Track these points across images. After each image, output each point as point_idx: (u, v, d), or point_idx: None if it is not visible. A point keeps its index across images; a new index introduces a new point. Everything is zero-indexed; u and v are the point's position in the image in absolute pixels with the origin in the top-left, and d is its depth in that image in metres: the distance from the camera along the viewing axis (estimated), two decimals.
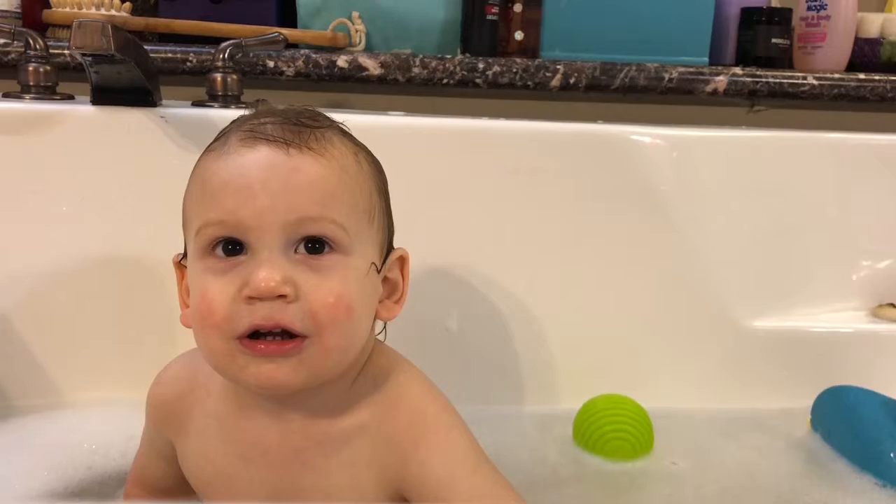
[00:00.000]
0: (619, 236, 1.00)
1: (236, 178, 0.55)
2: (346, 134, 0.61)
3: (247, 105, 0.97)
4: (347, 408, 0.60)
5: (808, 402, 0.93)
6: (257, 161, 0.55)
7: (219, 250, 0.56)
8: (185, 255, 0.61)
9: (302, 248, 0.55)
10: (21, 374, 0.92)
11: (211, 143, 0.59)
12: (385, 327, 0.66)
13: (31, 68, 0.97)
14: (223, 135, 0.58)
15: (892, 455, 0.81)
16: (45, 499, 0.75)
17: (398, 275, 0.63)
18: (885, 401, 0.87)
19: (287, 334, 0.54)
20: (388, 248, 0.63)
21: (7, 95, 0.98)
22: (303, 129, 0.57)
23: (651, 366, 0.99)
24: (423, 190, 0.98)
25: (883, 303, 1.05)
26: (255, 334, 0.54)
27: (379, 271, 0.60)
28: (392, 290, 0.63)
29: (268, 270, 0.53)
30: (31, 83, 0.97)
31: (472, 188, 0.99)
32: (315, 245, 0.55)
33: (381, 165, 0.64)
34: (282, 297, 0.53)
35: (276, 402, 0.60)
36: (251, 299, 0.53)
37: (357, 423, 0.60)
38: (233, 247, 0.55)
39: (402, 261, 0.64)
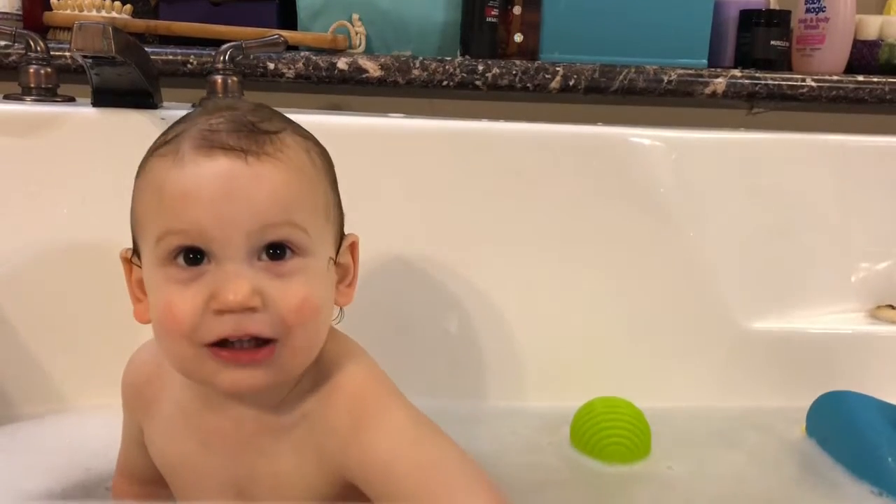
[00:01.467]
0: (618, 238, 1.00)
1: (196, 188, 0.54)
2: (296, 130, 0.61)
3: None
4: (296, 396, 0.61)
5: (806, 404, 0.92)
6: (217, 171, 0.54)
7: (180, 259, 0.55)
8: (134, 252, 0.61)
9: (264, 256, 0.56)
10: (23, 380, 0.92)
11: (159, 147, 0.58)
12: (342, 312, 0.66)
13: (31, 70, 0.97)
14: (173, 138, 0.57)
15: (889, 460, 0.80)
16: (41, 499, 0.75)
17: (349, 259, 0.64)
18: (882, 405, 0.87)
19: (256, 340, 0.55)
20: (341, 237, 0.64)
21: (8, 97, 0.98)
22: (258, 135, 0.56)
23: (649, 366, 0.99)
24: (422, 192, 0.98)
25: (881, 304, 1.05)
26: (224, 342, 0.55)
27: (335, 261, 0.61)
28: (344, 274, 0.64)
29: (236, 283, 0.54)
30: (32, 85, 0.97)
31: (472, 190, 0.99)
32: (277, 251, 0.56)
33: (329, 154, 0.64)
34: (250, 309, 0.54)
35: (236, 400, 0.61)
36: (220, 312, 0.54)
37: (301, 410, 0.61)
38: (195, 255, 0.55)
39: (353, 246, 0.65)
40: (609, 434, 0.86)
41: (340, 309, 0.66)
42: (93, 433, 0.81)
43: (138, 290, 0.62)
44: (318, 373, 0.62)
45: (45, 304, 0.92)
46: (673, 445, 0.89)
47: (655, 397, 0.93)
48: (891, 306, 1.05)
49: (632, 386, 0.93)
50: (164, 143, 0.57)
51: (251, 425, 0.61)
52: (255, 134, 0.56)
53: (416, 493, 0.56)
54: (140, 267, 0.60)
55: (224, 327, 0.54)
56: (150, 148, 0.59)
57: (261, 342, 0.55)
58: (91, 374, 0.92)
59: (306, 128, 0.62)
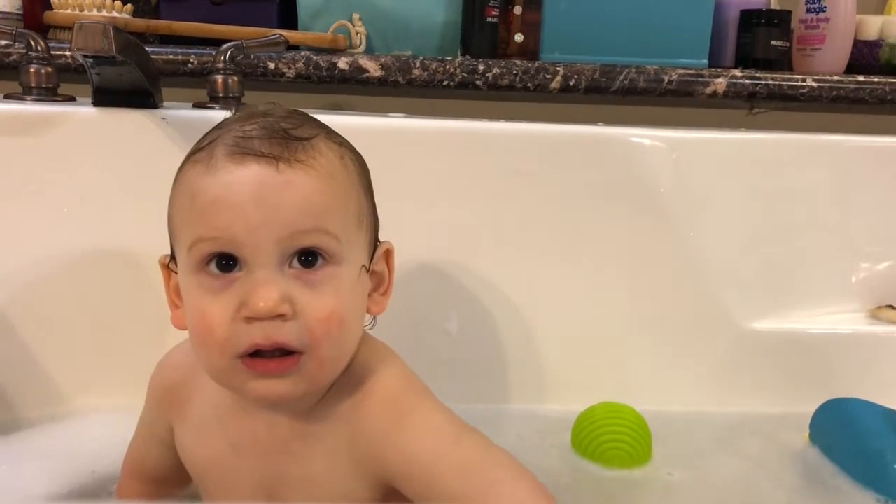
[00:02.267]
0: (618, 238, 1.00)
1: (228, 194, 0.55)
2: (330, 136, 0.61)
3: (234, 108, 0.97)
4: (329, 402, 0.62)
5: (807, 406, 0.92)
6: (248, 178, 0.55)
7: (212, 266, 0.56)
8: (172, 258, 0.62)
9: (296, 263, 0.56)
10: (24, 383, 0.92)
11: (194, 153, 0.59)
12: (374, 319, 0.67)
13: (32, 70, 0.97)
14: (207, 145, 0.58)
15: (894, 467, 0.79)
16: (47, 502, 0.75)
17: (384, 267, 0.65)
18: (887, 412, 0.86)
19: (284, 350, 0.56)
20: (375, 243, 0.64)
21: (8, 97, 0.98)
22: (290, 142, 0.57)
23: (650, 368, 0.99)
24: (423, 192, 0.98)
25: (882, 304, 1.05)
26: (255, 352, 0.56)
27: (368, 269, 0.61)
28: (379, 282, 0.64)
29: (266, 290, 0.54)
30: (33, 84, 0.97)
31: (472, 190, 0.99)
32: (308, 258, 0.56)
33: (364, 160, 0.64)
34: (280, 316, 0.54)
35: (270, 406, 0.62)
36: (250, 319, 0.55)
37: (335, 415, 0.61)
38: (227, 262, 0.56)
39: (388, 254, 0.65)
40: (610, 439, 0.86)
41: (374, 317, 0.66)
42: (96, 436, 0.81)
43: (175, 297, 0.62)
44: (351, 378, 0.62)
45: (45, 305, 0.92)
46: (674, 451, 0.89)
47: (656, 400, 0.93)
48: (891, 307, 1.05)
49: (632, 388, 0.93)
50: (199, 150, 0.58)
51: (283, 430, 0.62)
52: (287, 140, 0.57)
53: (461, 491, 0.57)
54: (177, 273, 0.61)
55: (254, 335, 0.55)
56: (187, 154, 0.60)
57: (287, 352, 0.56)
58: (93, 377, 0.93)
59: None
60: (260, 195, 0.55)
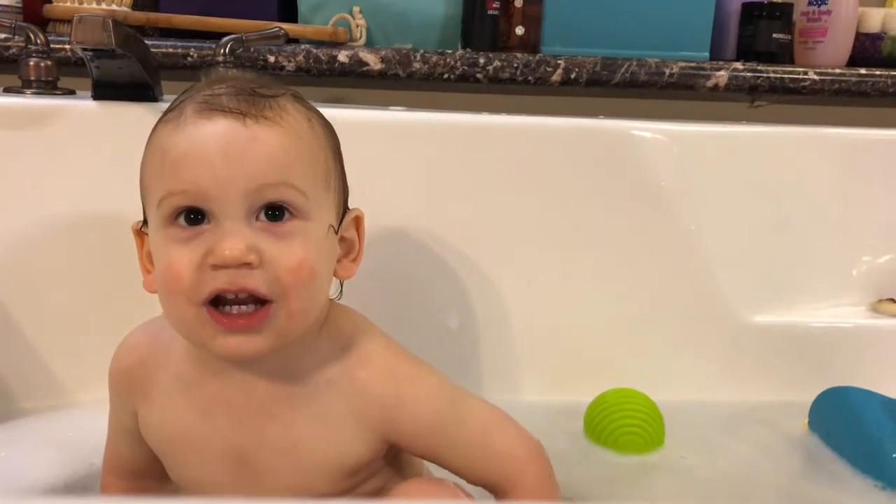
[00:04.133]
0: (620, 231, 1.00)
1: (196, 149, 0.56)
2: (298, 99, 0.62)
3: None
4: (312, 365, 0.62)
5: (808, 397, 0.93)
6: (215, 132, 0.56)
7: (181, 220, 0.57)
8: (144, 223, 0.62)
9: (263, 216, 0.57)
10: (25, 375, 0.92)
11: (165, 114, 0.60)
12: (341, 288, 0.68)
13: (31, 63, 0.97)
14: (177, 105, 0.59)
15: (894, 456, 0.80)
16: (45, 494, 0.75)
17: (354, 234, 0.65)
18: (885, 400, 0.87)
19: (253, 300, 0.56)
20: (344, 209, 0.65)
21: (8, 90, 0.98)
22: (257, 99, 0.58)
23: (653, 360, 1.00)
24: (423, 185, 0.98)
25: (883, 297, 1.05)
26: (222, 301, 0.56)
27: (336, 232, 0.62)
28: (349, 249, 0.65)
29: (232, 239, 0.55)
30: (32, 78, 0.97)
31: (473, 183, 0.99)
32: (275, 212, 0.57)
33: (333, 127, 0.65)
34: (246, 264, 0.55)
35: (239, 367, 0.62)
36: (216, 267, 0.55)
37: (324, 379, 0.62)
38: (195, 216, 0.57)
39: (358, 220, 0.65)
40: (624, 424, 0.87)
41: (341, 286, 0.67)
42: (95, 427, 0.80)
43: (147, 262, 0.63)
44: (334, 344, 0.63)
45: (45, 297, 0.92)
46: (684, 436, 0.90)
47: (661, 390, 0.93)
48: (892, 300, 1.05)
49: (638, 379, 0.93)
50: (170, 111, 0.59)
51: (262, 393, 0.62)
52: (254, 97, 0.58)
53: (462, 440, 0.64)
54: (148, 236, 0.61)
55: (219, 282, 0.55)
56: (159, 118, 0.61)
57: (257, 304, 0.56)
58: (92, 369, 0.91)
59: None
60: (227, 149, 0.56)
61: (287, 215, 0.57)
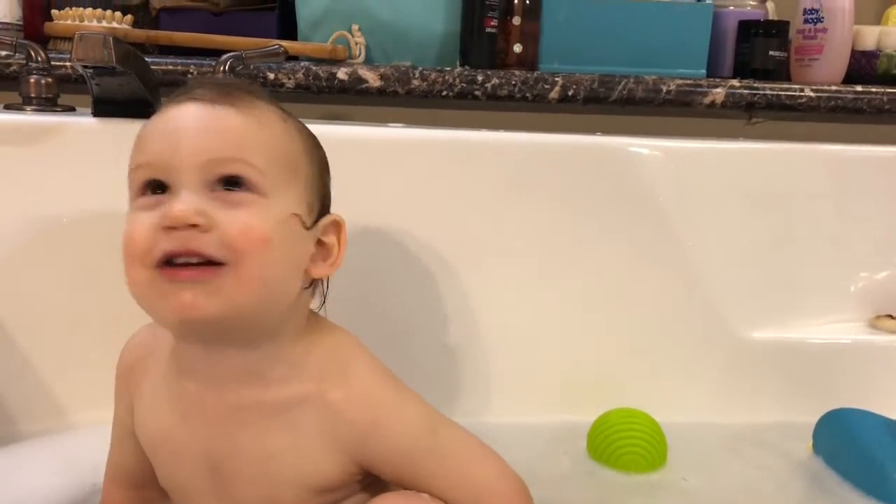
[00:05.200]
0: (617, 248, 1.00)
1: (162, 126, 0.59)
2: (276, 105, 0.63)
3: None
4: (286, 375, 0.62)
5: (808, 415, 0.92)
6: (183, 113, 0.59)
7: (147, 192, 0.59)
8: None
9: (219, 188, 0.58)
10: (23, 396, 0.91)
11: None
12: (325, 300, 0.68)
13: (32, 80, 0.97)
14: (162, 105, 0.62)
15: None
16: None
17: (334, 240, 0.65)
18: (889, 423, 0.87)
19: (204, 264, 0.57)
20: (322, 212, 0.65)
21: (8, 107, 0.98)
22: (232, 90, 0.61)
23: (651, 378, 0.99)
24: (421, 201, 0.98)
25: (881, 314, 1.05)
26: (173, 263, 0.57)
27: (307, 228, 0.62)
28: (327, 254, 0.65)
29: (182, 202, 0.56)
30: (33, 95, 0.98)
31: (471, 199, 0.99)
32: (231, 185, 0.58)
33: (318, 141, 0.66)
34: (195, 226, 0.56)
35: (211, 361, 0.62)
36: (167, 229, 0.56)
37: (298, 392, 0.62)
38: (159, 188, 0.58)
39: (338, 226, 0.66)
40: (626, 444, 0.87)
41: (324, 299, 0.68)
42: (94, 448, 0.80)
43: None
44: (315, 357, 0.63)
45: (44, 317, 0.92)
46: (684, 458, 0.89)
47: (659, 410, 0.92)
48: (890, 316, 1.05)
49: (635, 398, 0.93)
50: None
51: (233, 397, 0.62)
52: (229, 90, 0.61)
53: (439, 473, 0.63)
54: None
55: (170, 244, 0.56)
56: None
57: (207, 266, 0.57)
58: (92, 390, 0.91)
59: None
60: (189, 125, 0.58)
61: (243, 188, 0.58)
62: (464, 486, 0.63)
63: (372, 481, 0.65)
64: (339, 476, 0.63)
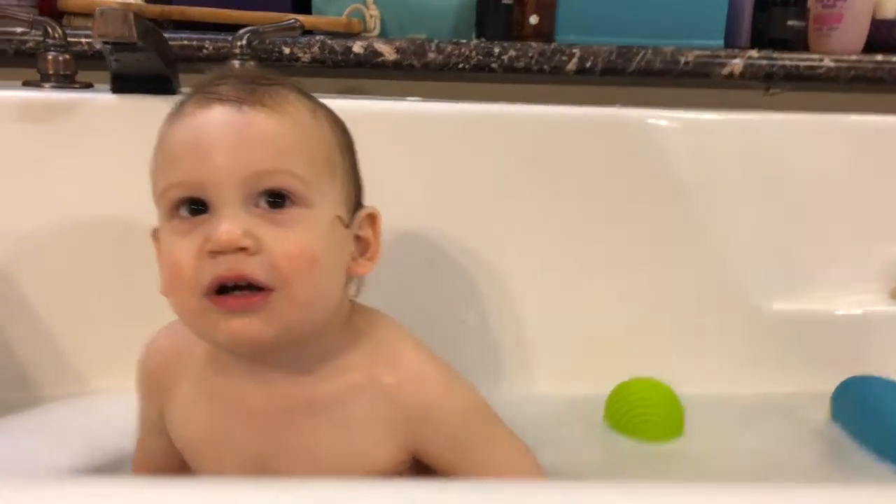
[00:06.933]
0: (636, 220, 1.00)
1: (192, 139, 0.55)
2: (303, 93, 0.61)
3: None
4: (334, 369, 0.61)
5: (828, 386, 0.93)
6: (211, 121, 0.55)
7: (183, 211, 0.56)
8: None
9: (263, 203, 0.56)
10: (44, 363, 0.93)
11: (171, 112, 0.60)
12: (359, 287, 0.66)
13: (50, 57, 0.98)
14: (181, 101, 0.59)
15: None
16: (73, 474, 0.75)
17: (370, 233, 0.64)
18: None
19: (253, 288, 0.55)
20: (357, 205, 0.64)
21: (27, 84, 0.99)
22: (257, 88, 0.57)
23: (670, 350, 0.99)
24: (439, 175, 0.98)
25: None
26: (223, 290, 0.55)
27: (347, 226, 0.61)
28: (365, 248, 0.64)
29: (228, 224, 0.54)
30: (51, 72, 0.98)
31: (489, 173, 0.99)
32: (276, 199, 0.56)
33: (345, 125, 0.64)
34: (243, 249, 0.54)
35: (255, 363, 0.61)
36: (213, 253, 0.54)
37: (347, 383, 0.61)
38: (196, 206, 0.56)
39: (373, 218, 0.64)
40: (644, 412, 0.87)
41: (358, 284, 0.66)
42: (117, 414, 0.81)
43: None
44: (360, 345, 0.62)
45: (64, 288, 0.93)
46: (702, 427, 0.90)
47: (678, 380, 0.92)
48: None
49: (654, 368, 0.93)
50: (176, 107, 0.59)
51: (281, 399, 0.61)
52: (254, 87, 0.57)
53: (486, 459, 0.63)
54: None
55: (218, 269, 0.54)
56: (166, 116, 0.60)
57: (256, 289, 0.55)
58: (111, 357, 0.93)
59: None
60: (222, 137, 0.55)
61: (288, 202, 0.56)
62: (506, 476, 0.63)
63: (416, 474, 0.65)
64: (389, 465, 0.62)
